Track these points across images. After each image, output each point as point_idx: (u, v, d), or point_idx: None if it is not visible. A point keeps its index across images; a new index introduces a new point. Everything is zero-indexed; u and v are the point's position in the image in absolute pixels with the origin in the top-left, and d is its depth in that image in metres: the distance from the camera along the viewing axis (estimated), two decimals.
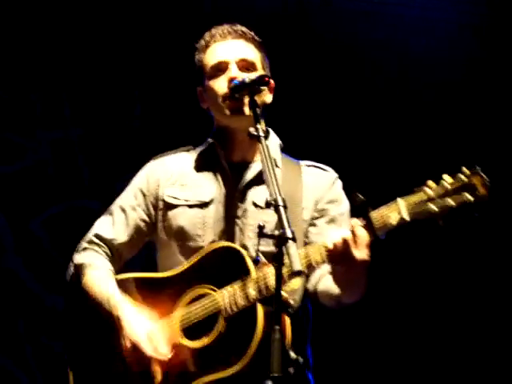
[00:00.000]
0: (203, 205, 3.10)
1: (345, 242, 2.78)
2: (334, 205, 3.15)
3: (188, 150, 3.25)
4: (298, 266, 2.49)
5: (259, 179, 3.09)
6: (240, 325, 2.88)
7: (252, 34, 3.18)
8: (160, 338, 2.94)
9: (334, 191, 3.17)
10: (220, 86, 3.09)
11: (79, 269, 3.13)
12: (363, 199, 2.74)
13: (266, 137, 2.81)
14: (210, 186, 3.12)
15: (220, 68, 3.11)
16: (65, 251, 3.34)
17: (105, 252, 3.16)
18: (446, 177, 2.74)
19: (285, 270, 2.69)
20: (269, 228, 2.83)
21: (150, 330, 2.95)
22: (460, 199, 2.69)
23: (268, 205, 2.61)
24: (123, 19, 5.10)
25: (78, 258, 3.17)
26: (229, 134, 3.14)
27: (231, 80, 3.05)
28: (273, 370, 2.49)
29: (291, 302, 2.98)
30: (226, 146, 3.15)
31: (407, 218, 2.75)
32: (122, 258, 3.19)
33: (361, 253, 2.78)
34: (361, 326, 5.29)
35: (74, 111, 5.11)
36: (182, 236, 3.09)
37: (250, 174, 3.12)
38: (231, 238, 3.06)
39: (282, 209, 2.59)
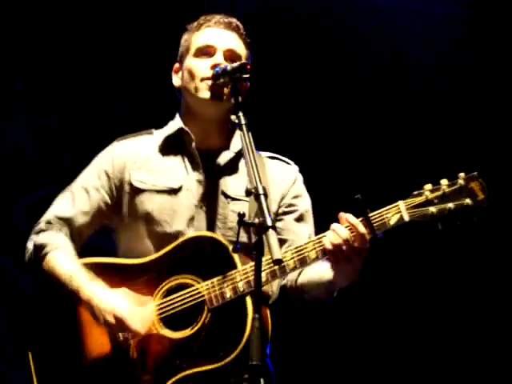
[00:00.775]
0: (172, 191, 3.07)
1: (344, 242, 2.82)
2: (299, 200, 3.18)
3: (151, 133, 3.21)
4: (279, 254, 2.49)
5: (229, 169, 3.11)
6: (227, 317, 2.87)
7: (244, 31, 3.19)
8: (140, 314, 2.90)
9: (298, 185, 3.20)
10: (202, 67, 3.08)
11: (39, 249, 3.06)
12: (361, 198, 2.79)
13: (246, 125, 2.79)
14: (178, 172, 3.10)
15: (206, 51, 3.10)
16: None
17: (64, 232, 3.10)
18: (444, 181, 2.82)
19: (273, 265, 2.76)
20: (237, 219, 2.88)
21: (129, 305, 2.91)
22: (459, 203, 2.79)
23: (248, 193, 2.60)
24: (104, 7, 5.07)
25: (37, 239, 3.09)
26: (199, 119, 3.12)
27: (214, 66, 3.04)
28: (252, 358, 2.49)
29: (270, 293, 3.01)
30: (194, 131, 3.12)
31: (406, 218, 2.83)
32: (82, 238, 3.13)
33: (360, 251, 2.83)
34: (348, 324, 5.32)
35: (55, 98, 5.08)
36: (148, 221, 3.06)
37: (219, 163, 3.12)
38: (200, 227, 3.04)
39: (262, 197, 2.58)
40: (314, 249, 2.88)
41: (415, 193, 2.84)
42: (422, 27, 5.42)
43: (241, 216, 2.64)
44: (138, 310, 2.91)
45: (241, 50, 3.14)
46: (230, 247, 2.91)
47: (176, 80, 3.19)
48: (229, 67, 2.95)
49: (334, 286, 2.97)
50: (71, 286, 2.97)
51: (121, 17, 5.05)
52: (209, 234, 3.01)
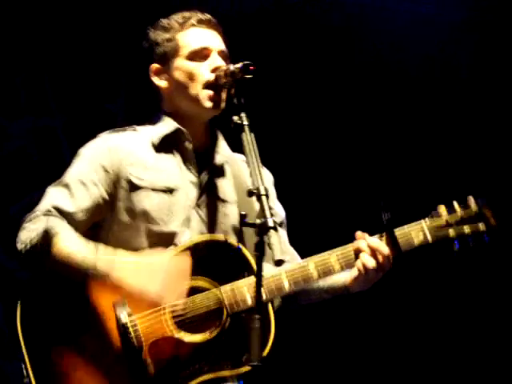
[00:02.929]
0: (169, 191, 3.05)
1: (377, 264, 2.96)
2: (277, 206, 3.23)
3: (135, 130, 3.16)
4: (279, 255, 2.50)
5: (220, 172, 3.13)
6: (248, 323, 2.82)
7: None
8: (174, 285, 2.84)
9: (274, 192, 3.24)
10: (202, 71, 3.07)
11: (48, 237, 2.87)
12: (390, 216, 2.96)
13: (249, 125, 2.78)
14: (173, 172, 3.08)
15: (202, 54, 3.09)
16: None
17: (66, 223, 2.95)
18: (456, 204, 3.06)
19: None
20: (229, 223, 3.01)
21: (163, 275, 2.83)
22: (474, 227, 3.03)
23: (250, 193, 2.61)
24: (108, 6, 5.08)
25: (41, 226, 2.90)
26: (190, 120, 3.11)
27: (215, 69, 3.04)
28: (252, 358, 2.50)
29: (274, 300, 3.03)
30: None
31: (430, 239, 3.02)
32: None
33: (384, 269, 2.98)
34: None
35: (58, 98, 5.08)
36: (145, 219, 3.01)
37: (212, 166, 3.12)
38: (195, 228, 3.04)
39: (264, 198, 2.59)
40: (338, 260, 2.99)
41: (434, 214, 3.05)
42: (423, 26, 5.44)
43: (242, 216, 2.65)
44: (172, 281, 2.84)
45: (226, 48, 3.15)
46: (249, 254, 2.95)
47: (161, 82, 3.14)
48: (232, 68, 2.94)
49: (345, 292, 3.07)
50: (95, 271, 2.84)
51: (127, 17, 5.05)
52: (222, 237, 3.02)
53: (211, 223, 3.07)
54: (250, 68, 2.88)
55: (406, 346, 5.39)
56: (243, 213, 2.66)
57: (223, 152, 3.17)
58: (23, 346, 2.86)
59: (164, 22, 3.16)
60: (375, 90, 5.44)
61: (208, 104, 3.06)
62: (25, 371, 2.87)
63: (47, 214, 2.95)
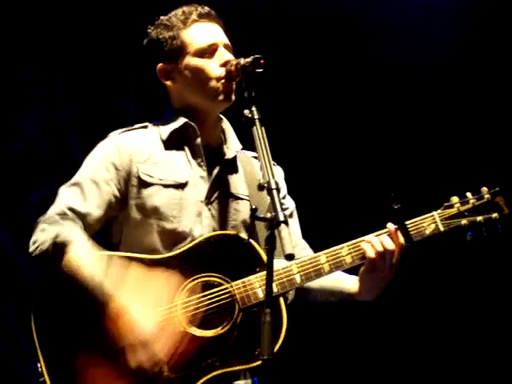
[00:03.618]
0: (179, 186, 3.04)
1: (387, 251, 2.96)
2: (287, 200, 3.23)
3: (146, 127, 3.16)
4: (290, 249, 2.49)
5: (230, 167, 3.12)
6: (260, 316, 2.80)
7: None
8: (165, 337, 2.85)
9: (285, 186, 3.23)
10: (212, 67, 3.06)
11: (61, 245, 2.87)
12: (400, 206, 2.93)
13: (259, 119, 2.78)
14: (182, 167, 3.07)
15: (209, 50, 3.08)
16: None
17: (80, 226, 2.94)
18: (469, 194, 3.06)
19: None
20: (240, 219, 3.01)
21: (157, 327, 2.84)
22: (487, 216, 3.03)
23: (261, 187, 2.60)
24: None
25: (55, 230, 2.90)
26: (202, 116, 3.10)
27: (226, 63, 3.04)
28: (263, 353, 2.49)
29: (287, 295, 3.04)
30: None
31: (442, 228, 3.02)
32: (92, 233, 2.97)
33: (395, 260, 2.98)
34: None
35: (68, 92, 5.09)
36: (156, 216, 3.01)
37: (223, 161, 3.11)
38: (206, 224, 3.04)
39: (275, 192, 2.58)
40: (350, 253, 2.99)
41: (446, 204, 3.05)
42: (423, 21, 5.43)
43: (253, 211, 2.64)
44: (164, 335, 2.85)
45: (228, 40, 3.14)
46: (257, 246, 2.95)
47: (169, 80, 3.12)
48: (242, 61, 2.94)
49: (352, 298, 3.07)
50: (99, 294, 2.84)
51: (137, 10, 5.05)
52: (233, 232, 3.03)
53: (222, 219, 3.06)
54: (260, 62, 2.87)
55: (416, 343, 5.39)
56: (254, 207, 2.67)
57: (234, 147, 3.17)
58: (38, 346, 2.88)
59: (164, 19, 3.14)
60: (385, 82, 5.43)
61: (220, 97, 3.05)
62: (40, 370, 2.88)
63: (62, 217, 2.94)
